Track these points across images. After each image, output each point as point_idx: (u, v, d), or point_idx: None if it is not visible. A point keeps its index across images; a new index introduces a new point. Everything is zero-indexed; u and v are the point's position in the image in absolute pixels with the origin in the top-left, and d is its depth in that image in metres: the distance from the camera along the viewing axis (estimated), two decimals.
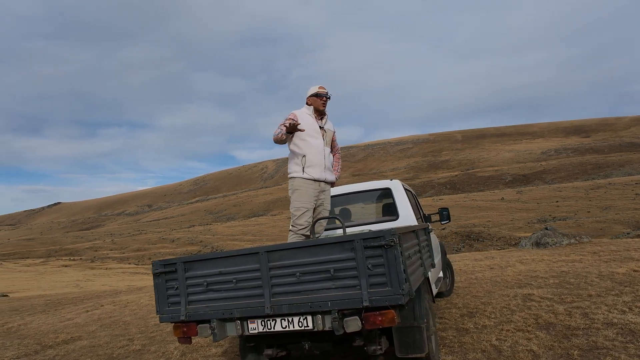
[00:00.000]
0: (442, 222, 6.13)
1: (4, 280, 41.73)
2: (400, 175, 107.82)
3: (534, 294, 5.85)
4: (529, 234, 15.88)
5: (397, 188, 4.86)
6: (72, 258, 63.82)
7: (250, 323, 2.97)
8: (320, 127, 4.10)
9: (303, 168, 3.98)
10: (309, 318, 2.83)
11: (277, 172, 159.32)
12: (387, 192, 4.91)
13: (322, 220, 4.16)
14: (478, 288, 6.83)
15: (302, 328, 2.85)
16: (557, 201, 49.68)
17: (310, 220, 3.99)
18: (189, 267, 3.06)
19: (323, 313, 2.78)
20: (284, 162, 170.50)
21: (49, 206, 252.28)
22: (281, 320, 2.90)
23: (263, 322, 2.95)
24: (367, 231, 3.58)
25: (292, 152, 4.07)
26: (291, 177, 4.04)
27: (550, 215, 42.12)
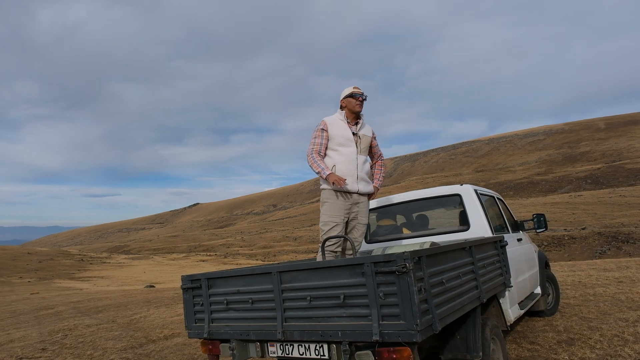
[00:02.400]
0: (537, 231, 5.30)
1: (153, 273, 48.05)
2: (531, 169, 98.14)
3: None
4: None
5: (468, 194, 4.27)
6: (208, 254, 70.81)
7: (270, 346, 2.83)
8: (353, 133, 3.80)
9: None
10: (325, 347, 2.58)
11: (395, 171, 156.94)
12: (456, 199, 4.36)
13: (357, 236, 3.82)
14: (591, 307, 5.78)
15: (319, 357, 2.61)
16: None
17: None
18: (211, 284, 3.02)
19: (335, 343, 2.51)
20: (402, 160, 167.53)
21: (189, 206, 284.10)
22: (298, 346, 2.70)
23: (282, 346, 2.78)
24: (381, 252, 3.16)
25: (324, 162, 3.81)
26: (321, 189, 3.78)
27: None
